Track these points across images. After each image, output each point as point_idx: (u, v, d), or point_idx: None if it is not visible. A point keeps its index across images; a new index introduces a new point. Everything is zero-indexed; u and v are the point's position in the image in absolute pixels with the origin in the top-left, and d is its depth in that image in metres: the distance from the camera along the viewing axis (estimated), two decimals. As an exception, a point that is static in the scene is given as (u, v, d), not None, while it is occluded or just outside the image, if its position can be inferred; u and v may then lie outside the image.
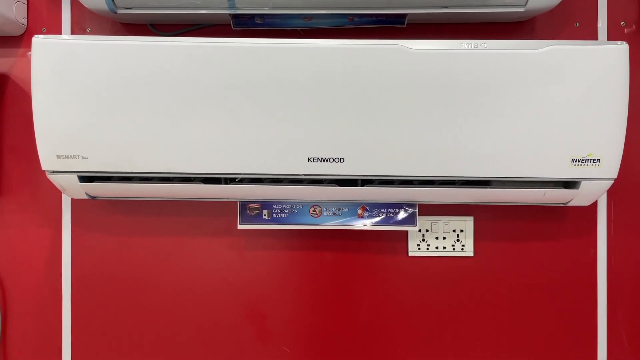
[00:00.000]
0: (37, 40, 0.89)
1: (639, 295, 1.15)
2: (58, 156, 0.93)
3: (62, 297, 1.18)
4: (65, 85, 0.90)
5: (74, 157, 0.93)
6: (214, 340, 1.17)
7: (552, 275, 1.15)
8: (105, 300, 1.17)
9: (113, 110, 0.91)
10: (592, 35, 1.14)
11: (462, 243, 1.15)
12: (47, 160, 0.94)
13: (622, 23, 1.13)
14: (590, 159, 0.91)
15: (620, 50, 0.88)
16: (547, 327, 1.15)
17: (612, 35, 1.13)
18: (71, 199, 1.17)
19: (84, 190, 0.99)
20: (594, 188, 0.94)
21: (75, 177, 0.96)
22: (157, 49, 0.89)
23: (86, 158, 0.93)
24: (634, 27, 1.13)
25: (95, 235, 1.17)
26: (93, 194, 1.01)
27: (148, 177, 0.98)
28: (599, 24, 1.13)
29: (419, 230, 1.15)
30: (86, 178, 0.97)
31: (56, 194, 1.16)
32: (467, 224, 1.15)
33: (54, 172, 0.95)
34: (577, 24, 1.13)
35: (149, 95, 0.90)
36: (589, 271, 1.15)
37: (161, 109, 0.91)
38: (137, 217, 1.17)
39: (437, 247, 1.16)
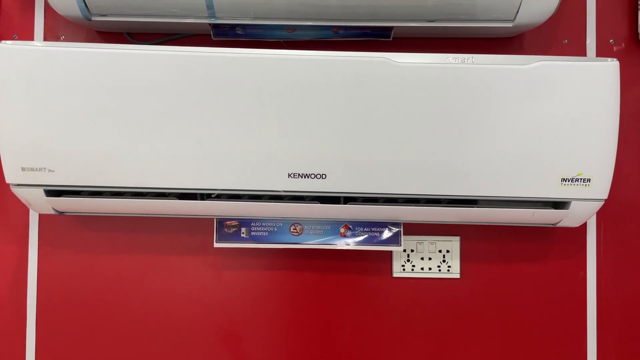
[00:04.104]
0: (2, 46, 0.86)
1: (628, 318, 1.14)
2: (23, 169, 0.90)
3: (27, 318, 1.14)
4: (32, 94, 0.87)
5: (40, 169, 0.90)
6: (188, 364, 1.14)
7: (541, 298, 1.14)
8: (72, 321, 1.14)
9: (82, 120, 0.88)
10: (580, 52, 1.14)
11: (448, 264, 1.14)
12: (12, 172, 0.90)
13: (611, 41, 1.14)
14: (581, 179, 0.90)
15: (612, 67, 0.88)
16: (536, 350, 1.14)
17: (601, 53, 1.14)
18: (39, 214, 1.13)
19: (50, 205, 0.96)
20: (584, 209, 0.94)
21: (41, 190, 0.92)
22: (129, 57, 0.87)
23: (53, 171, 0.90)
24: (623, 45, 1.14)
25: (63, 253, 1.14)
26: (60, 209, 0.98)
27: (119, 192, 0.95)
28: (588, 41, 1.14)
29: (404, 251, 1.14)
30: (53, 192, 0.94)
31: (23, 209, 1.13)
32: (453, 244, 1.14)
33: (18, 185, 0.92)
34: (566, 40, 1.14)
35: (122, 106, 0.88)
36: (578, 293, 1.15)
37: (134, 120, 0.88)
38: (108, 234, 1.14)
39: (422, 268, 1.14)
